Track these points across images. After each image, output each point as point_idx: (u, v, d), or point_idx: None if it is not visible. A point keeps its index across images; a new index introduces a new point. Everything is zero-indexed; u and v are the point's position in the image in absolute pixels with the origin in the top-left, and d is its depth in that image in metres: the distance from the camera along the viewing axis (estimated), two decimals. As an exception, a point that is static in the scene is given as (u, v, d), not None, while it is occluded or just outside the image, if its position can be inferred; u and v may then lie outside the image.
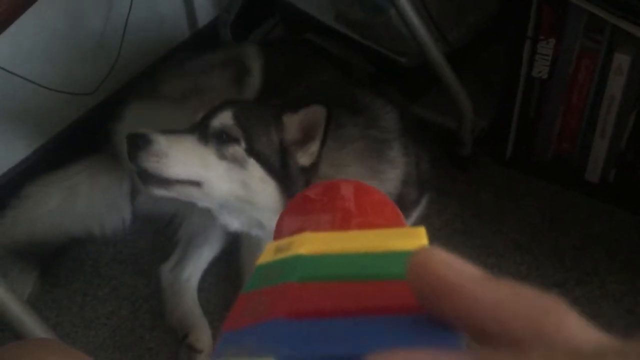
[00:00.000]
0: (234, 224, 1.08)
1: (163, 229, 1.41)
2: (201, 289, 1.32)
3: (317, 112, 0.99)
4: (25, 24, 0.93)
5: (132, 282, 1.36)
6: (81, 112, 1.49)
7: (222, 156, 1.02)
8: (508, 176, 1.45)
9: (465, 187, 1.45)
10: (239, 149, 1.02)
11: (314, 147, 1.01)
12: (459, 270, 0.20)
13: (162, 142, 1.01)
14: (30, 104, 1.39)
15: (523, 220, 1.38)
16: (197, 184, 1.01)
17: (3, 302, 0.95)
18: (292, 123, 1.02)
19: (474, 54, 1.52)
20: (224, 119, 1.03)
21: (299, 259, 0.26)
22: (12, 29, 0.88)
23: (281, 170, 1.03)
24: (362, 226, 0.32)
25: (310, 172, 1.03)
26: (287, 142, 1.03)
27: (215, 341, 1.18)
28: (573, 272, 1.28)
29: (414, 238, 0.26)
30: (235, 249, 1.34)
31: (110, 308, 1.32)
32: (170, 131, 1.03)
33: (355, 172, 1.09)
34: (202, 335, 1.21)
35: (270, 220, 1.05)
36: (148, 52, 1.58)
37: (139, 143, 1.00)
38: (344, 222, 0.33)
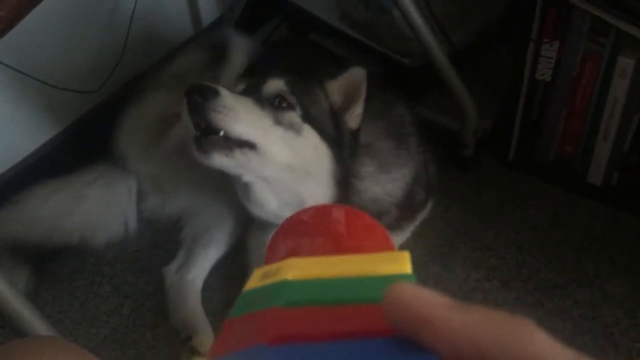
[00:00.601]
0: (271, 203, 1.05)
1: (165, 228, 1.41)
2: (205, 287, 1.32)
3: (356, 75, 1.02)
4: (30, 22, 0.93)
5: (134, 280, 1.36)
6: (85, 110, 1.49)
7: (278, 122, 1.00)
8: (510, 178, 1.45)
9: (467, 188, 1.45)
10: (294, 115, 1.01)
11: (359, 108, 1.03)
12: (429, 301, 0.22)
13: (229, 97, 0.97)
14: (34, 102, 1.40)
15: (525, 222, 1.38)
16: (254, 147, 0.98)
17: (5, 298, 0.96)
18: (334, 89, 1.03)
19: (478, 56, 1.52)
20: (277, 85, 1.02)
21: (284, 285, 0.27)
22: (16, 26, 0.89)
23: (334, 136, 1.03)
24: (353, 249, 0.33)
25: (356, 137, 1.05)
26: (335, 108, 1.03)
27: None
28: (574, 275, 1.28)
29: (397, 262, 0.28)
30: (240, 248, 1.35)
31: (112, 306, 1.32)
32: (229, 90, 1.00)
33: (388, 146, 1.11)
34: (206, 339, 1.20)
35: (314, 197, 1.03)
36: (152, 51, 1.58)
37: (206, 94, 0.96)
38: (335, 245, 0.34)
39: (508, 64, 1.36)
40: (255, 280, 0.28)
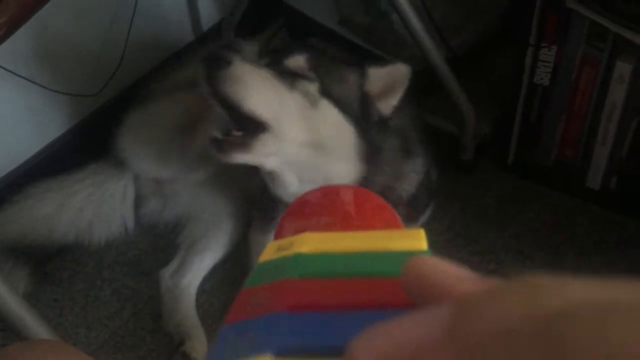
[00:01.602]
0: (293, 185, 1.05)
1: (165, 232, 1.41)
2: (204, 290, 1.32)
3: (401, 69, 1.03)
4: (29, 26, 0.94)
5: (134, 284, 1.36)
6: (85, 114, 1.49)
7: (293, 88, 0.99)
8: (509, 182, 1.46)
9: (466, 192, 1.45)
10: (311, 86, 1.00)
11: (394, 101, 1.04)
12: (451, 274, 0.21)
13: (241, 67, 0.96)
14: (34, 105, 1.40)
15: (524, 226, 1.38)
16: (267, 128, 0.97)
17: (6, 301, 0.96)
18: (377, 76, 1.04)
19: (477, 60, 1.53)
20: (299, 61, 1.02)
21: (299, 257, 0.27)
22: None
23: (361, 117, 1.03)
24: (362, 229, 0.33)
25: (384, 124, 1.05)
26: (369, 92, 1.04)
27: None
28: (573, 279, 1.29)
29: (413, 239, 0.27)
30: (240, 250, 1.35)
31: (111, 309, 1.32)
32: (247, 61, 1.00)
33: (413, 137, 1.12)
34: (197, 345, 1.20)
35: (339, 175, 1.03)
36: (152, 55, 1.58)
37: (219, 64, 0.95)
38: (344, 225, 0.34)
39: (507, 68, 1.36)
40: (269, 253, 0.29)
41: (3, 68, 1.26)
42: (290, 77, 0.99)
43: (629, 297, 0.17)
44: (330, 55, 1.09)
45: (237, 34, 1.66)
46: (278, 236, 0.35)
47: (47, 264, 1.38)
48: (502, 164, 1.46)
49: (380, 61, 1.06)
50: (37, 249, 1.32)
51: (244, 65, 0.96)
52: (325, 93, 1.00)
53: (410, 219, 1.21)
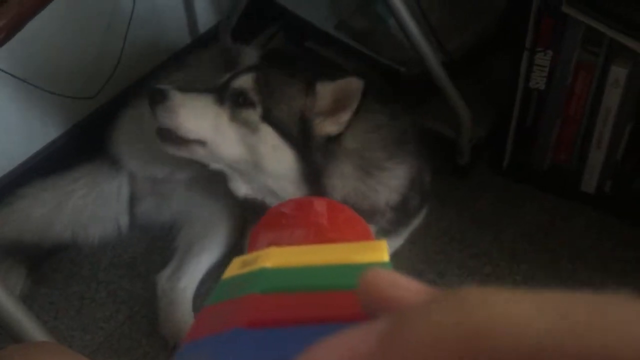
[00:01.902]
0: (242, 189, 1.11)
1: (161, 234, 1.41)
2: (200, 293, 1.32)
3: (353, 83, 1.01)
4: (28, 28, 0.94)
5: (130, 287, 1.36)
6: (82, 116, 1.49)
7: (233, 118, 1.05)
8: (505, 185, 1.46)
9: (462, 196, 1.46)
10: (252, 113, 1.04)
11: (345, 116, 1.02)
12: (403, 287, 0.22)
13: (176, 99, 1.06)
14: (31, 108, 1.40)
15: (519, 230, 1.39)
16: (204, 143, 1.06)
17: (2, 303, 0.96)
18: (326, 91, 1.02)
19: (473, 64, 1.54)
20: (245, 82, 1.05)
21: (262, 272, 0.27)
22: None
23: (300, 139, 1.03)
24: (334, 240, 0.34)
25: (334, 141, 1.05)
26: (315, 110, 1.03)
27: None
28: (568, 282, 1.29)
29: (374, 251, 0.28)
30: (236, 253, 1.35)
31: (107, 312, 1.32)
32: (191, 89, 1.09)
33: (377, 157, 1.11)
34: None
35: (284, 190, 1.07)
36: (149, 57, 1.58)
37: (156, 98, 1.06)
38: (317, 237, 0.34)
39: (503, 72, 1.37)
40: (233, 269, 0.29)
41: (0, 70, 1.26)
42: (232, 104, 1.05)
43: (546, 315, 0.18)
44: (278, 71, 1.09)
45: (233, 37, 1.66)
46: (252, 248, 0.36)
47: (43, 265, 1.38)
48: (497, 168, 1.47)
49: (330, 75, 1.04)
50: (33, 250, 1.32)
51: (181, 96, 1.06)
52: (267, 118, 1.03)
53: (400, 223, 1.21)
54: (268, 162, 1.05)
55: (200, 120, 1.06)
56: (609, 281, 1.29)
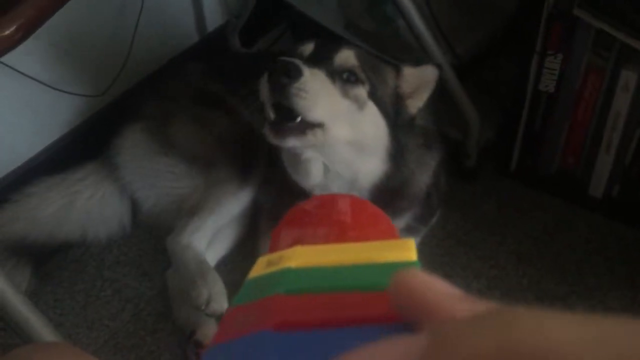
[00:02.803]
0: (316, 178, 1.06)
1: (166, 233, 1.41)
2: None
3: (430, 70, 1.07)
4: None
5: (135, 285, 1.36)
6: (90, 114, 1.49)
7: (345, 95, 1.01)
8: (512, 188, 1.46)
9: (469, 198, 1.45)
10: (362, 91, 1.02)
11: (420, 102, 1.07)
12: (437, 289, 0.21)
13: (311, 79, 0.95)
14: (40, 105, 1.40)
15: (526, 233, 1.38)
16: (322, 126, 0.98)
17: (10, 301, 0.96)
18: (410, 75, 1.07)
19: (482, 67, 1.53)
20: (350, 58, 1.03)
21: (287, 272, 0.27)
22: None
23: (394, 117, 1.05)
24: (357, 239, 0.33)
25: (411, 123, 1.09)
26: (402, 91, 1.06)
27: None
28: (574, 287, 1.29)
29: (402, 250, 0.27)
30: (241, 254, 1.35)
31: (112, 310, 1.32)
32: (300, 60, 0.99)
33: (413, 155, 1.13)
34: (209, 331, 1.20)
35: (368, 169, 1.06)
36: (157, 56, 1.59)
37: (292, 74, 0.94)
38: (340, 235, 0.33)
39: (512, 75, 1.37)
40: (258, 269, 0.28)
41: (9, 67, 1.26)
42: (342, 81, 1.01)
43: (608, 341, 0.17)
44: (365, 50, 1.11)
45: (241, 36, 1.66)
46: (274, 247, 0.35)
47: (48, 264, 1.38)
48: (504, 171, 1.46)
49: (409, 62, 1.09)
50: (39, 248, 1.32)
51: (312, 78, 0.96)
52: (372, 94, 1.03)
53: (422, 221, 1.21)
54: (369, 140, 1.04)
55: (325, 99, 0.97)
56: (614, 286, 1.29)
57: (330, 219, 0.35)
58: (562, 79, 1.27)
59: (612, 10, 1.13)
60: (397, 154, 1.07)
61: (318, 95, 0.96)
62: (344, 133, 1.01)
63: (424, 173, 1.15)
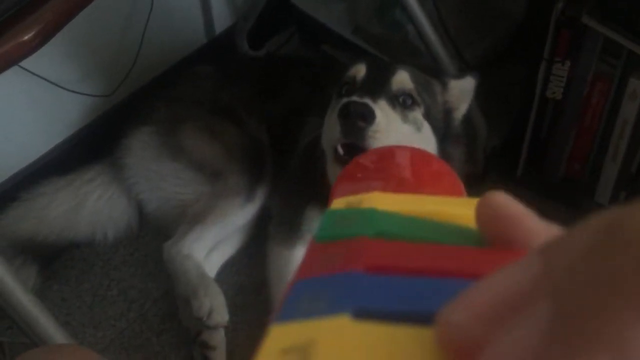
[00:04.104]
0: None
1: (173, 233, 1.41)
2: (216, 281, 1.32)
3: (469, 82, 1.11)
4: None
5: (142, 285, 1.36)
6: (98, 114, 1.50)
7: (405, 120, 1.02)
8: (518, 195, 1.39)
9: (475, 204, 1.45)
10: (419, 113, 1.04)
11: (461, 113, 1.11)
12: (518, 207, 0.22)
13: (383, 119, 0.96)
14: (48, 104, 1.41)
15: (531, 239, 1.38)
16: None
17: (18, 300, 0.96)
18: (455, 87, 1.10)
19: (490, 73, 1.54)
20: (406, 81, 1.04)
21: (374, 213, 0.26)
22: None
23: (442, 129, 1.08)
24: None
25: (457, 135, 1.13)
26: (450, 106, 1.10)
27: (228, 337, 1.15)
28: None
29: None
30: (245, 256, 1.35)
31: (119, 310, 1.33)
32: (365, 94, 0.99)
33: (458, 164, 1.16)
34: (216, 332, 1.21)
35: None
36: (165, 57, 1.59)
37: (367, 118, 0.94)
38: (397, 191, 0.31)
39: (519, 81, 1.37)
40: (340, 204, 0.27)
41: (19, 66, 1.26)
42: (400, 106, 1.02)
43: None
44: (416, 65, 1.13)
45: (249, 38, 1.67)
46: (332, 199, 0.33)
47: (56, 263, 1.38)
48: (510, 177, 1.46)
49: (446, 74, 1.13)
50: (47, 248, 1.33)
51: (383, 116, 0.97)
52: (427, 115, 1.04)
53: None
54: None
55: (393, 133, 0.98)
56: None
57: (388, 174, 0.34)
58: (569, 86, 1.28)
59: (620, 18, 1.14)
60: None
61: (389, 132, 0.97)
62: None
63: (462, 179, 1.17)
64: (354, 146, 0.96)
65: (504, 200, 0.23)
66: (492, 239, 0.23)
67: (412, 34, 1.38)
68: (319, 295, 0.21)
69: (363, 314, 0.19)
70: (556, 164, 1.40)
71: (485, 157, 1.43)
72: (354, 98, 0.97)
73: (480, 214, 0.23)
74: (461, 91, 1.11)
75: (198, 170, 1.31)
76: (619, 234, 0.17)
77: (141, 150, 1.35)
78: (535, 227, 0.22)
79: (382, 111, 0.98)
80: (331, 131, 0.99)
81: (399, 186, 0.32)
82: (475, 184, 1.47)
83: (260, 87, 1.37)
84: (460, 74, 1.14)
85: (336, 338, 0.18)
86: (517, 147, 1.41)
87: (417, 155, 0.35)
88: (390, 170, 0.34)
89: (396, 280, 0.21)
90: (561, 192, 1.43)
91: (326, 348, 0.18)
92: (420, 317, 0.19)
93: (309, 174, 1.14)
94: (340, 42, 1.55)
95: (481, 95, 1.39)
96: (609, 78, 1.25)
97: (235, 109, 1.34)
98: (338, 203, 0.28)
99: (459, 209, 0.26)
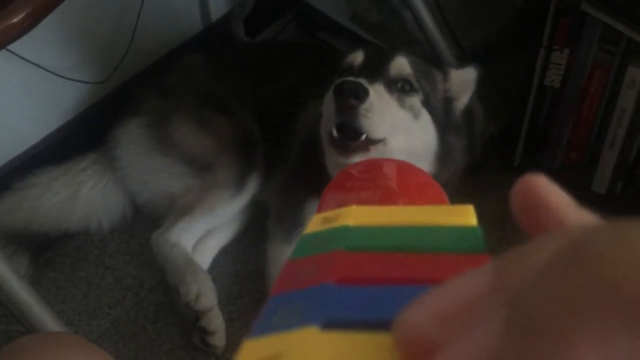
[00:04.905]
0: None
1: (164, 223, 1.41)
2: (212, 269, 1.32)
3: (471, 72, 1.10)
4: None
5: (137, 273, 1.36)
6: (92, 101, 1.49)
7: (402, 105, 1.01)
8: (515, 183, 1.45)
9: (472, 193, 1.45)
10: (417, 101, 1.03)
11: (462, 104, 1.10)
12: (558, 195, 0.22)
13: (376, 98, 0.96)
14: (42, 91, 1.40)
15: (528, 228, 1.38)
16: (384, 141, 0.98)
17: (12, 287, 0.96)
18: (456, 77, 1.09)
19: (488, 61, 1.53)
20: (405, 67, 1.03)
21: (346, 230, 0.26)
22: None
23: (444, 121, 1.06)
24: (403, 205, 0.32)
25: (458, 126, 1.11)
26: (451, 95, 1.08)
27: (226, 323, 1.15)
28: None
29: (462, 215, 0.27)
30: (240, 245, 1.35)
31: (114, 298, 1.32)
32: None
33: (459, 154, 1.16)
34: (214, 317, 1.20)
35: None
36: (160, 44, 1.58)
37: (359, 95, 0.93)
38: (384, 201, 0.32)
39: (517, 69, 1.36)
40: (314, 225, 0.28)
41: (12, 53, 1.25)
42: (398, 91, 1.01)
43: None
44: (416, 54, 1.11)
45: (246, 25, 1.65)
46: (320, 207, 0.35)
47: (50, 251, 1.38)
48: (508, 166, 1.46)
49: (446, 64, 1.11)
50: (41, 237, 1.32)
51: (377, 97, 0.96)
52: (426, 104, 1.03)
53: None
54: (420, 147, 1.04)
55: (388, 116, 0.98)
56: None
57: (376, 184, 0.35)
58: (568, 74, 1.27)
59: (619, 5, 1.13)
60: (444, 155, 1.08)
61: (383, 114, 0.96)
62: (401, 144, 1.01)
63: (461, 167, 1.17)
64: (349, 127, 0.95)
65: (539, 187, 0.22)
66: (528, 227, 0.22)
67: (410, 21, 1.37)
68: (291, 309, 0.22)
69: (331, 324, 0.20)
70: (554, 152, 1.39)
71: (483, 145, 1.43)
72: (349, 78, 0.97)
73: (515, 201, 0.23)
74: (462, 81, 1.09)
75: (188, 163, 1.30)
76: (581, 254, 0.17)
77: (131, 143, 1.35)
78: (572, 217, 0.21)
79: (377, 93, 0.97)
80: (328, 115, 0.99)
81: (386, 196, 0.33)
82: (472, 172, 1.46)
83: (254, 76, 1.35)
84: (461, 64, 1.12)
85: (304, 349, 0.19)
86: (515, 136, 1.41)
87: (403, 167, 0.36)
88: (377, 180, 0.35)
89: (365, 290, 0.22)
90: (558, 180, 1.41)
91: (294, 359, 0.19)
92: (387, 324, 0.19)
93: (308, 167, 1.14)
94: (338, 29, 1.54)
95: (479, 83, 1.38)
96: (608, 66, 1.24)
97: (226, 100, 1.33)
98: (314, 222, 0.28)
99: (435, 216, 0.26)
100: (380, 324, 0.19)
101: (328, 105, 0.98)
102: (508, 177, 1.47)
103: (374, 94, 0.96)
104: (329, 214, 0.28)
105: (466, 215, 0.27)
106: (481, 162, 1.46)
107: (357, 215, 0.27)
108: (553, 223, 0.21)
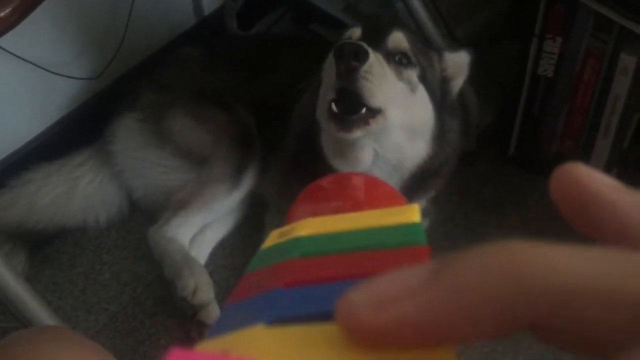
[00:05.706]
0: (367, 162, 1.05)
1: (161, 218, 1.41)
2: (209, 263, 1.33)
3: (464, 56, 1.11)
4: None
5: (134, 268, 1.36)
6: (85, 97, 1.49)
7: (400, 77, 1.01)
8: (510, 172, 1.46)
9: (468, 182, 1.45)
10: (414, 74, 1.02)
11: (456, 87, 1.11)
12: (599, 180, 0.21)
13: (376, 62, 0.94)
14: (35, 88, 1.39)
15: (525, 216, 1.39)
16: (382, 112, 0.97)
17: (8, 284, 0.96)
18: (450, 60, 1.10)
19: (481, 51, 1.53)
20: (402, 41, 1.02)
21: (299, 240, 0.28)
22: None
23: (440, 100, 1.07)
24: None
25: (453, 107, 1.12)
26: (447, 74, 1.09)
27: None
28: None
29: (407, 213, 0.28)
30: (240, 237, 1.35)
31: (111, 293, 1.32)
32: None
33: (455, 135, 1.15)
34: (212, 311, 1.21)
35: (414, 152, 1.06)
36: (153, 38, 1.57)
37: (360, 56, 0.91)
38: (353, 209, 0.34)
39: (511, 59, 1.36)
40: (271, 240, 0.29)
41: (4, 50, 1.25)
42: (395, 64, 1.01)
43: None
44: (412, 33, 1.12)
45: (239, 19, 1.65)
46: (289, 218, 0.36)
47: (47, 247, 1.38)
48: (503, 155, 1.46)
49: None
50: (38, 234, 1.32)
51: (377, 61, 0.95)
52: (422, 78, 1.03)
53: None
54: (418, 124, 1.04)
55: (386, 82, 0.96)
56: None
57: (345, 194, 0.36)
58: (561, 62, 1.27)
59: (612, -7, 1.13)
60: (441, 135, 1.08)
61: (381, 79, 0.95)
62: (398, 118, 1.00)
63: (457, 152, 1.17)
64: (348, 97, 0.94)
65: (579, 176, 0.21)
66: (574, 219, 0.22)
67: (403, 11, 1.37)
68: (243, 313, 0.23)
69: (277, 321, 0.21)
70: (548, 141, 1.40)
71: (477, 134, 1.43)
72: (350, 39, 0.96)
73: (555, 192, 0.22)
74: (455, 64, 1.10)
75: (184, 157, 1.30)
76: (518, 269, 0.17)
77: (126, 138, 1.34)
78: (620, 203, 0.20)
79: (377, 60, 0.96)
80: (327, 82, 0.98)
81: (355, 205, 0.35)
82: (469, 163, 1.47)
83: (249, 69, 1.35)
84: (454, 48, 1.13)
85: (248, 345, 0.20)
86: (509, 125, 1.41)
87: (370, 179, 0.38)
88: (347, 191, 0.37)
89: (310, 289, 0.23)
90: (553, 168, 1.42)
91: (238, 354, 0.20)
92: (331, 315, 0.20)
93: (305, 160, 1.14)
94: (331, 21, 1.53)
95: (473, 72, 1.38)
96: (601, 54, 1.24)
97: (222, 93, 1.33)
98: (271, 237, 0.30)
99: (384, 218, 0.28)
100: (324, 315, 0.20)
101: (328, 70, 0.97)
102: (503, 166, 1.48)
103: (374, 57, 0.95)
104: (284, 229, 0.30)
105: (410, 214, 0.28)
106: (477, 152, 1.46)
107: (311, 226, 0.29)
108: (598, 211, 0.21)
